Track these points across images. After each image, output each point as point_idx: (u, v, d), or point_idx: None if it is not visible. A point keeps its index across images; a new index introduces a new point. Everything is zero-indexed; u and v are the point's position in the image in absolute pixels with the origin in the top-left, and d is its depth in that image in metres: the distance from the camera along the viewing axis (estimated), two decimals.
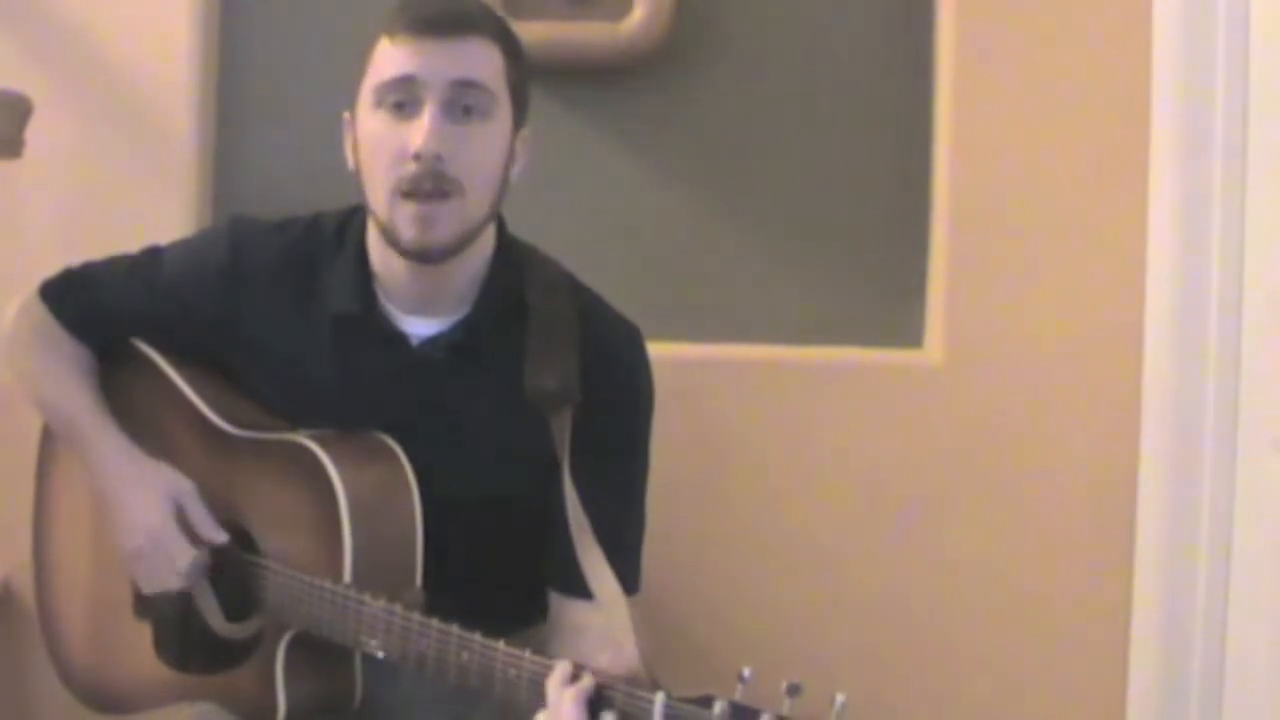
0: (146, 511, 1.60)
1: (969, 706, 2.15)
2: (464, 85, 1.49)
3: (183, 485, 1.61)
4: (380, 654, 1.44)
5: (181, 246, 1.72)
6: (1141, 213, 2.11)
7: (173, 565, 1.58)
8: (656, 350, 1.66)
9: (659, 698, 1.23)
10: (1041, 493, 2.15)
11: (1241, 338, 2.04)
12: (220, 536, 1.59)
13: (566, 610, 1.56)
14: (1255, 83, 2.02)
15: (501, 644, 1.36)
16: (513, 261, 1.61)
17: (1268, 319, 2.00)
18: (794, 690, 1.16)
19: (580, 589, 1.51)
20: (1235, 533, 2.05)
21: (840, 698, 1.15)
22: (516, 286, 1.60)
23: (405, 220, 1.49)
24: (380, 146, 1.50)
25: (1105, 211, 2.14)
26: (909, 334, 2.22)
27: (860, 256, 2.22)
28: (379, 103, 1.50)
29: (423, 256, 1.51)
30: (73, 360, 1.70)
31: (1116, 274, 2.13)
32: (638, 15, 2.14)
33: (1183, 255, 2.07)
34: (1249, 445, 2.03)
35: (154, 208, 2.16)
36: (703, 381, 2.15)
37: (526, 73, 1.57)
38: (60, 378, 1.69)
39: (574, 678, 1.29)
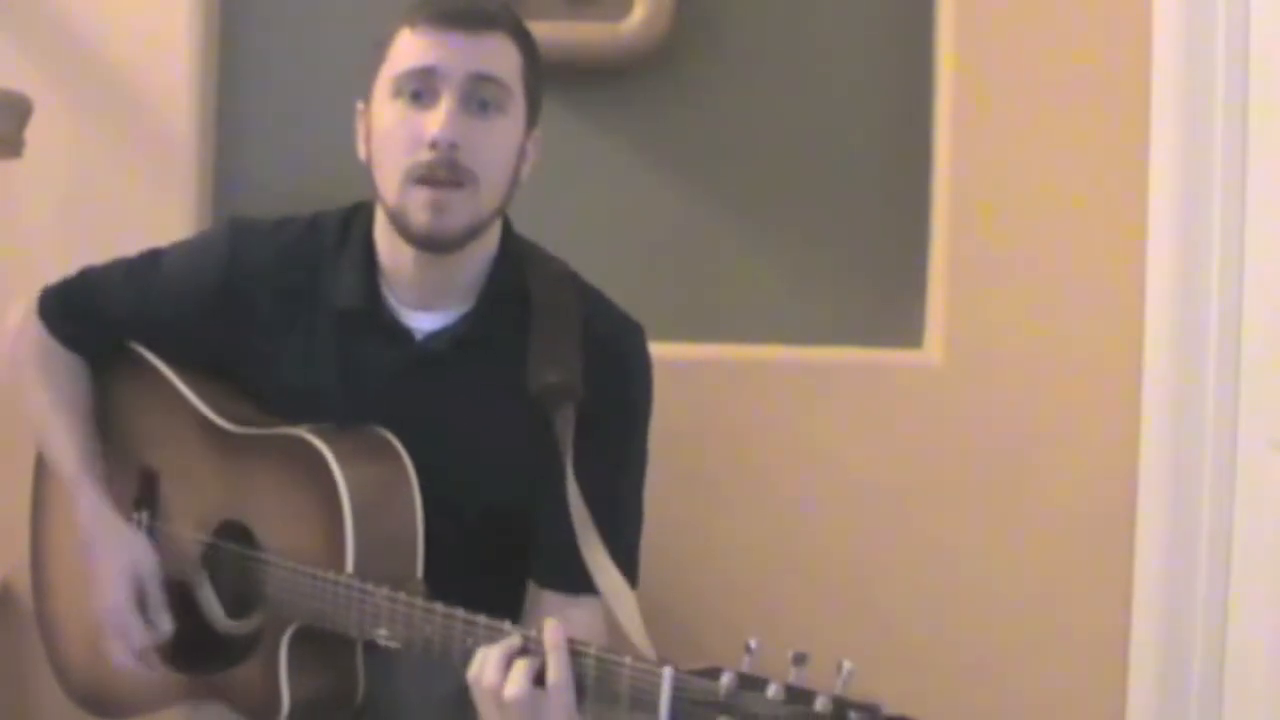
0: (108, 589, 1.61)
1: (969, 706, 2.15)
2: (482, 79, 1.50)
3: (144, 562, 1.62)
4: (384, 642, 1.44)
5: (180, 248, 1.72)
6: (1141, 213, 2.12)
7: (128, 646, 1.60)
8: (657, 350, 1.66)
9: (666, 671, 1.23)
10: (1041, 492, 2.15)
11: (1241, 338, 2.05)
12: (166, 627, 1.60)
13: (552, 606, 1.56)
14: (1255, 83, 2.02)
15: (507, 626, 1.36)
16: (517, 257, 1.62)
17: (1268, 319, 2.00)
18: (801, 659, 1.16)
19: (572, 584, 1.52)
20: (1235, 533, 2.05)
21: (847, 664, 1.15)
22: (520, 282, 1.60)
23: (417, 205, 1.49)
24: (396, 134, 1.50)
25: (1105, 211, 2.14)
26: (909, 334, 2.22)
27: (860, 256, 2.23)
28: (397, 92, 1.51)
29: (432, 244, 1.51)
30: (66, 386, 1.71)
31: (1116, 274, 2.13)
32: (638, 15, 2.14)
33: (1183, 255, 2.08)
34: (1249, 445, 2.03)
35: (154, 208, 2.16)
36: (703, 381, 2.15)
37: (541, 75, 1.58)
38: (50, 414, 1.70)
39: (524, 650, 1.31)
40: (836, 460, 2.17)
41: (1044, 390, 2.15)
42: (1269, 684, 1.96)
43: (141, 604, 1.61)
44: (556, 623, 1.32)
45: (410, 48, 1.50)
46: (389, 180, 1.51)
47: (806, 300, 2.22)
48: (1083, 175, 2.14)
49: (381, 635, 1.44)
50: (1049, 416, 2.15)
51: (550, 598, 1.57)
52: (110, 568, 1.61)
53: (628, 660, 1.27)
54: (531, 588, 1.59)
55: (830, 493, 2.17)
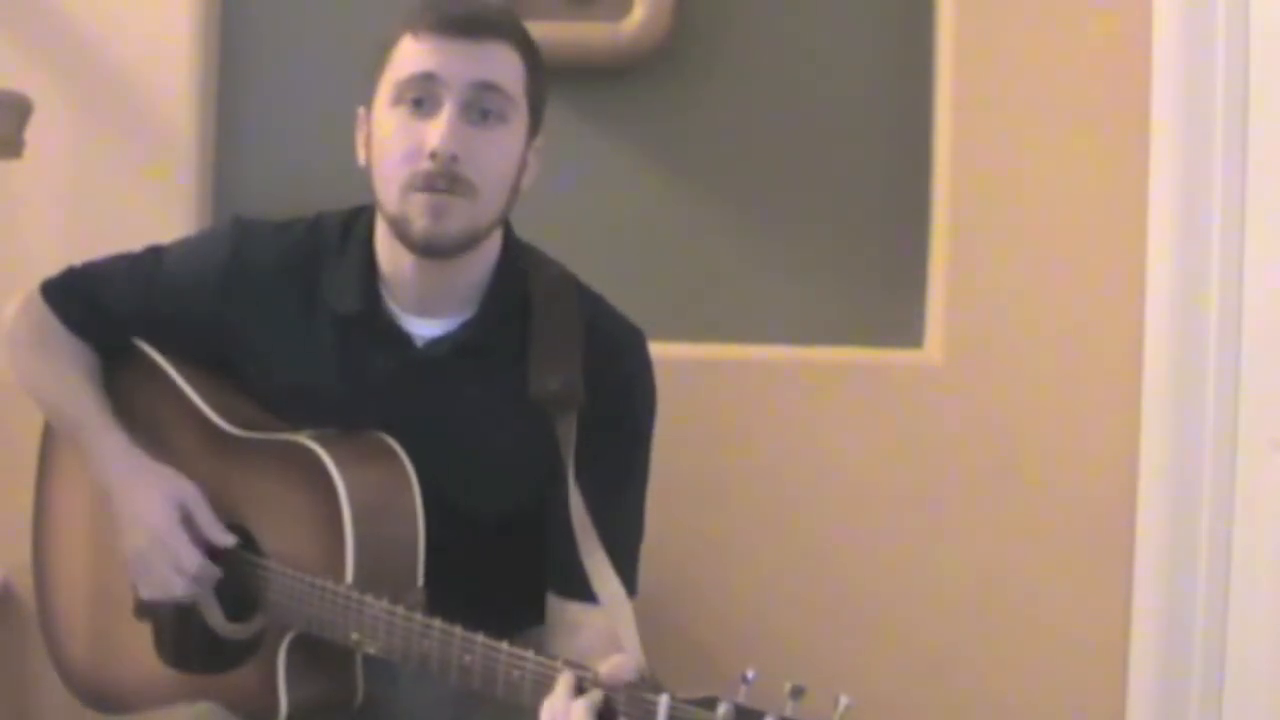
0: (151, 513, 1.59)
1: (969, 706, 2.15)
2: (484, 88, 1.49)
3: (187, 488, 1.60)
4: (381, 655, 1.44)
5: (183, 246, 1.72)
6: (1141, 213, 2.11)
7: (179, 568, 1.58)
8: (657, 350, 1.66)
9: (663, 700, 1.22)
10: (1041, 493, 2.15)
11: (1241, 338, 2.04)
12: (227, 539, 1.58)
13: (565, 612, 1.56)
14: (1255, 83, 2.02)
15: (505, 645, 1.35)
16: (518, 264, 1.61)
17: (1268, 319, 2.00)
18: (797, 692, 1.16)
19: (581, 591, 1.52)
20: (1235, 533, 2.05)
21: (844, 700, 1.15)
22: (521, 288, 1.60)
23: (417, 210, 1.49)
24: (396, 142, 1.49)
25: (1105, 211, 2.14)
26: (909, 334, 2.22)
27: (860, 256, 2.22)
28: (398, 99, 1.50)
29: (431, 248, 1.50)
30: (75, 359, 1.70)
31: (1116, 274, 2.13)
32: (638, 15, 2.14)
33: (1183, 255, 2.07)
34: (1249, 445, 2.03)
35: (154, 208, 2.15)
36: (703, 381, 2.15)
37: (544, 84, 1.57)
38: (62, 378, 1.69)
39: (580, 689, 1.29)
40: (836, 460, 2.17)
41: (1044, 390, 2.15)
42: (1269, 684, 1.97)
43: (189, 528, 1.59)
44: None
45: (412, 54, 1.50)
46: (389, 188, 1.51)
47: (806, 300, 2.22)
48: (1083, 175, 2.14)
49: (377, 648, 1.44)
50: (1049, 416, 2.15)
51: (573, 607, 1.55)
52: (149, 496, 1.59)
53: (624, 686, 1.27)
54: (551, 599, 1.58)
55: (830, 493, 2.17)
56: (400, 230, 1.51)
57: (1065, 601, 2.15)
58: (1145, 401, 2.12)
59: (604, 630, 1.50)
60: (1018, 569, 2.15)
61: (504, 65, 1.51)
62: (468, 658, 1.37)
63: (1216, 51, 2.04)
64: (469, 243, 1.52)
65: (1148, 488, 2.12)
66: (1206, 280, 2.06)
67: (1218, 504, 2.05)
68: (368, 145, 1.56)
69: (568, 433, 1.52)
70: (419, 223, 1.49)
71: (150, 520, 1.59)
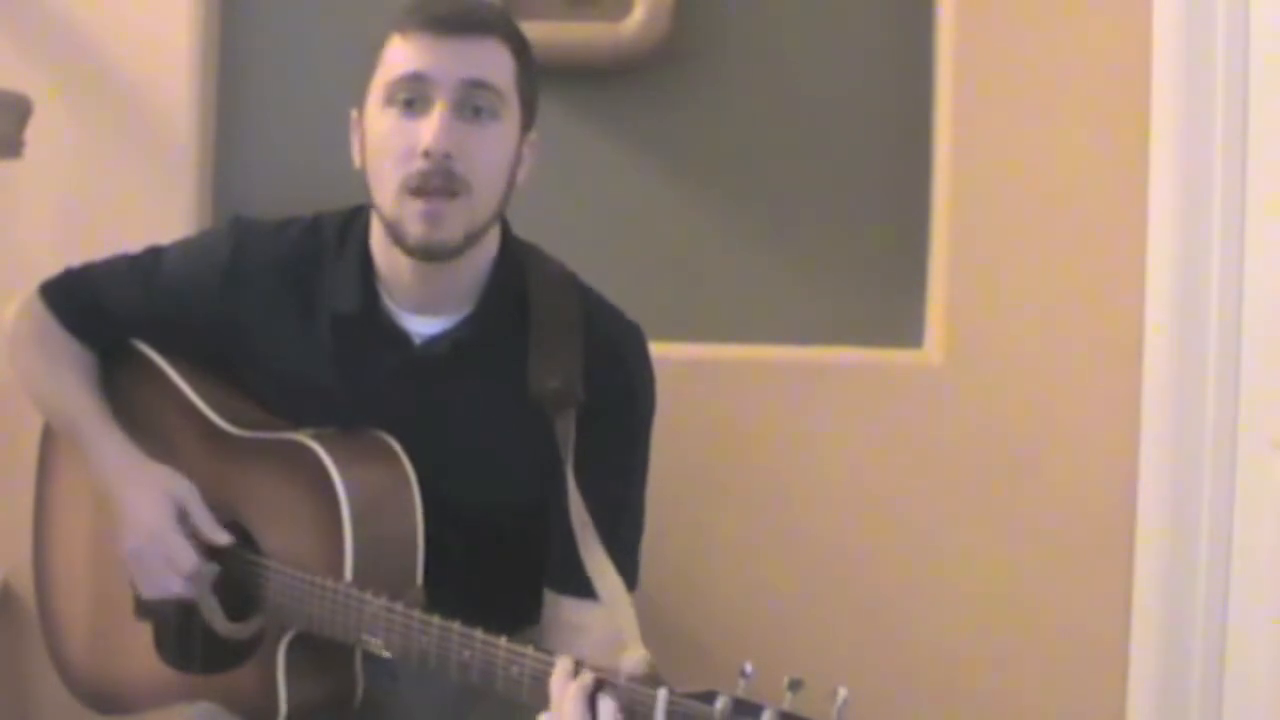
0: (147, 512, 1.59)
1: (969, 706, 2.16)
2: (474, 85, 1.49)
3: (183, 485, 1.61)
4: (383, 653, 1.44)
5: (182, 246, 1.72)
6: (1141, 212, 2.12)
7: (174, 567, 1.58)
8: (657, 350, 1.66)
9: (661, 693, 1.23)
10: (1041, 492, 2.15)
11: (1241, 338, 2.05)
12: (223, 537, 1.58)
13: (565, 609, 1.56)
14: (1255, 83, 2.02)
15: (503, 641, 1.35)
16: (516, 261, 1.61)
17: (1268, 319, 2.00)
18: (796, 685, 1.16)
19: (581, 588, 1.51)
20: (1235, 533, 2.05)
21: (842, 692, 1.15)
22: (519, 286, 1.60)
23: (412, 217, 1.48)
24: (389, 143, 1.49)
25: (1105, 211, 2.14)
26: (909, 334, 2.22)
27: (860, 256, 2.23)
28: (389, 100, 1.50)
29: (428, 254, 1.50)
30: (73, 360, 1.70)
31: (1116, 274, 2.13)
32: (638, 15, 2.14)
33: (1183, 255, 2.08)
34: (1249, 445, 2.03)
35: (154, 208, 2.16)
36: (703, 381, 2.15)
37: (536, 77, 1.57)
38: (61, 379, 1.70)
39: (575, 673, 1.29)
40: (836, 460, 2.17)
41: (1044, 390, 2.15)
42: (1269, 684, 1.97)
43: (185, 526, 1.59)
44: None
45: (401, 54, 1.49)
46: (384, 191, 1.50)
47: (806, 300, 2.23)
48: (1083, 175, 2.14)
49: (377, 645, 1.44)
50: (1049, 416, 2.15)
51: (569, 604, 1.55)
52: (145, 495, 1.60)
53: (623, 680, 1.27)
54: (548, 595, 1.57)
55: (830, 492, 2.17)
56: (396, 235, 1.51)
57: (1065, 601, 2.15)
58: (1145, 401, 2.12)
59: (607, 633, 1.49)
60: (1018, 568, 2.15)
61: (493, 61, 1.51)
62: (466, 654, 1.37)
63: (1216, 51, 2.04)
64: (467, 243, 1.52)
65: (1148, 488, 2.12)
66: (1206, 280, 2.06)
67: (1218, 504, 2.05)
68: (362, 148, 1.55)
69: (566, 430, 1.52)
70: (414, 230, 1.49)
71: (146, 520, 1.59)
